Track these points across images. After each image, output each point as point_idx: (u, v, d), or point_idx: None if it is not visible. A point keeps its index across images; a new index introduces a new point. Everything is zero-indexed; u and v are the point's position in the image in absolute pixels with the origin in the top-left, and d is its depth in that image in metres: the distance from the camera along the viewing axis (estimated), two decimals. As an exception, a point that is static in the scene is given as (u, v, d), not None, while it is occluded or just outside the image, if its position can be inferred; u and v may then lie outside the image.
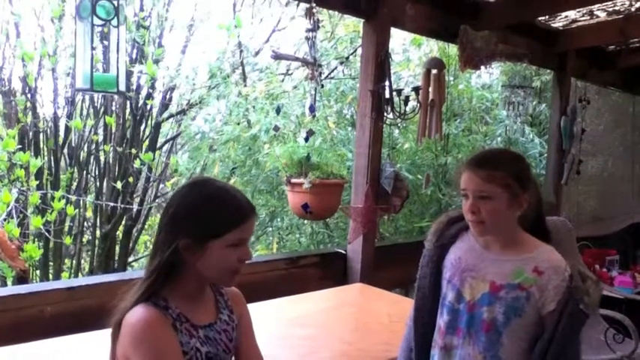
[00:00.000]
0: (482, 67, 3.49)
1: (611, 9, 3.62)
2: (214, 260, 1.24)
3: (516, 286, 1.45)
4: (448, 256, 1.61)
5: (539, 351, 1.42)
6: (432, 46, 4.80)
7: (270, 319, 2.30)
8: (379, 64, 2.88)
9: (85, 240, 5.34)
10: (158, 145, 5.52)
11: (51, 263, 4.82)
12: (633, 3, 3.51)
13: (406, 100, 2.95)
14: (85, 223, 5.29)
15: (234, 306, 1.40)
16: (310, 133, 2.78)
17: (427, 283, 1.64)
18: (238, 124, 4.68)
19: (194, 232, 1.22)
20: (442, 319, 1.57)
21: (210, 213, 1.24)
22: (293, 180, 2.80)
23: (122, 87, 1.93)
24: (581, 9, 3.55)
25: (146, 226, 5.93)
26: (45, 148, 4.82)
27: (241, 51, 5.08)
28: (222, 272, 1.27)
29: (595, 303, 1.41)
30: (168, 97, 5.34)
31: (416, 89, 3.03)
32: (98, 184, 5.17)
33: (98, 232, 5.06)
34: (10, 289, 2.33)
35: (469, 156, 1.59)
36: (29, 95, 4.61)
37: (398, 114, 2.95)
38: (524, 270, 1.45)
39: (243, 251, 1.27)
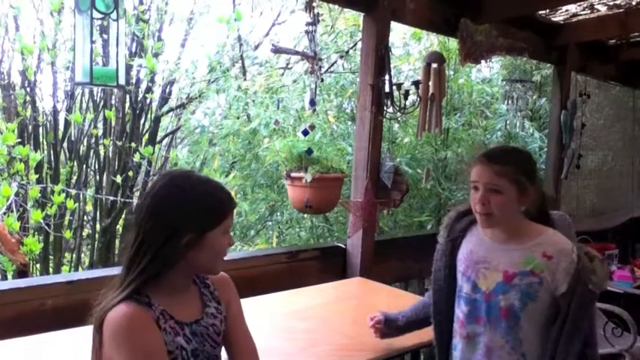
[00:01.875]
0: (483, 61, 3.49)
1: (611, 3, 3.61)
2: (213, 249, 1.27)
3: (529, 273, 1.53)
4: (460, 249, 1.69)
5: (555, 330, 1.50)
6: (432, 40, 4.78)
7: (271, 313, 2.30)
8: (379, 57, 2.88)
9: (85, 234, 5.35)
10: (158, 138, 5.52)
11: (51, 257, 4.83)
12: (634, -3, 3.50)
13: (406, 94, 2.94)
14: (85, 217, 5.30)
15: (221, 295, 1.39)
16: (311, 128, 2.78)
17: (442, 276, 1.73)
18: (238, 118, 4.67)
19: (195, 226, 1.22)
20: (460, 310, 1.65)
21: (207, 205, 1.26)
22: (293, 174, 2.80)
23: (122, 81, 1.93)
24: (581, 3, 3.53)
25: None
26: (44, 142, 4.82)
27: (241, 44, 5.07)
28: (217, 260, 1.31)
29: (603, 281, 1.48)
30: (167, 90, 5.34)
31: (416, 83, 3.02)
32: (98, 177, 5.18)
33: (98, 226, 5.07)
34: (11, 283, 2.33)
35: (480, 150, 1.67)
36: (28, 89, 4.61)
37: (398, 108, 2.95)
38: (534, 256, 1.53)
39: (230, 236, 1.32)
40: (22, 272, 2.82)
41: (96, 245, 5.07)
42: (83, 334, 1.90)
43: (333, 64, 4.93)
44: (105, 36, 1.92)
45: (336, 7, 4.28)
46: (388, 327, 1.94)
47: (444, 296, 1.72)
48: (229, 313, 1.39)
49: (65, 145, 4.95)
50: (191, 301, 1.33)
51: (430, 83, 3.05)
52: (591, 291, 1.47)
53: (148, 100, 5.12)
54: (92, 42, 1.84)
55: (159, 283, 1.23)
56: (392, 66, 3.00)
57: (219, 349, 1.34)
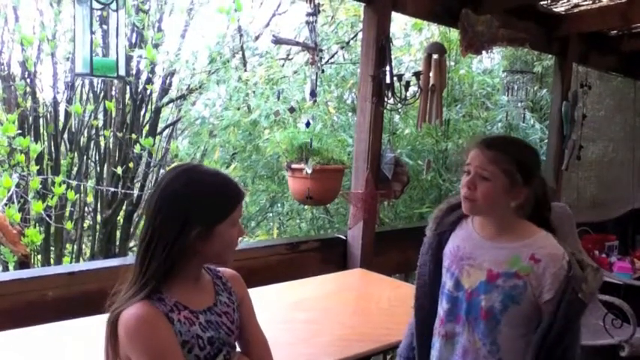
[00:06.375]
0: (484, 52, 3.47)
1: (613, -7, 3.60)
2: (223, 241, 1.28)
3: (513, 275, 1.44)
4: (447, 244, 1.61)
5: (538, 338, 1.42)
6: (432, 31, 4.77)
7: (271, 304, 2.31)
8: (380, 48, 2.87)
9: (85, 225, 5.36)
10: (158, 130, 5.51)
11: (52, 248, 4.84)
12: (636, -13, 3.48)
13: (407, 86, 2.94)
14: (86, 208, 5.30)
15: (233, 288, 1.41)
16: (309, 123, 2.80)
17: (427, 271, 1.64)
18: (238, 109, 4.67)
19: (204, 219, 1.23)
20: (442, 308, 1.58)
21: (215, 198, 1.27)
22: (293, 166, 2.80)
23: (122, 71, 1.93)
24: (583, -7, 3.53)
25: (147, 211, 5.93)
26: (45, 133, 4.82)
27: (241, 35, 5.06)
28: (228, 251, 1.32)
29: (593, 291, 1.39)
30: (168, 81, 5.33)
31: (417, 74, 3.02)
32: (98, 169, 5.17)
33: (99, 217, 5.08)
34: (12, 274, 2.34)
35: (483, 136, 1.58)
36: (29, 80, 4.60)
37: (398, 99, 2.94)
38: (521, 258, 1.45)
39: (240, 227, 1.33)
40: (23, 263, 2.83)
41: (97, 236, 5.08)
42: (84, 325, 1.91)
43: (333, 55, 4.92)
44: (105, 27, 1.92)
45: (337, -3, 4.27)
46: None
47: (427, 292, 1.63)
48: (242, 308, 1.40)
49: (66, 136, 4.94)
50: (204, 289, 1.34)
51: (431, 74, 3.04)
52: (580, 301, 1.38)
53: (148, 92, 5.10)
54: (92, 33, 1.83)
55: (172, 276, 1.24)
56: (393, 57, 3.00)
57: (233, 338, 1.35)
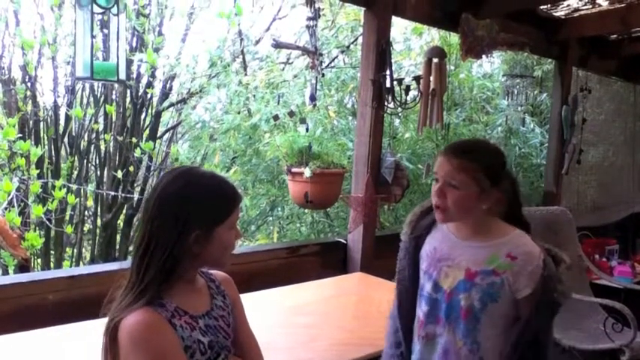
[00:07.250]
0: (484, 56, 3.48)
1: (613, -3, 3.61)
2: (222, 245, 1.27)
3: (491, 272, 1.47)
4: (424, 247, 1.62)
5: (515, 336, 1.45)
6: (433, 35, 4.78)
7: (271, 308, 2.31)
8: (380, 53, 2.88)
9: (86, 229, 5.35)
10: (158, 134, 5.50)
11: (52, 252, 4.82)
12: (636, -8, 3.49)
13: (407, 90, 2.94)
14: (86, 212, 5.29)
15: (226, 291, 1.40)
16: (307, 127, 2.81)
17: (406, 276, 1.65)
18: (239, 113, 4.67)
19: (204, 221, 1.22)
20: (421, 310, 1.58)
21: (214, 200, 1.26)
22: (294, 169, 2.81)
23: (122, 75, 1.94)
24: (583, -3, 3.54)
25: (147, 215, 5.92)
26: (45, 137, 4.81)
27: (242, 39, 5.06)
28: (225, 254, 1.30)
29: (567, 290, 1.42)
30: (168, 85, 5.32)
31: (417, 78, 3.02)
32: (99, 173, 5.17)
33: (99, 221, 5.06)
34: (12, 278, 2.35)
35: (449, 143, 1.60)
36: (29, 84, 4.60)
37: (399, 103, 2.94)
38: (498, 256, 1.47)
39: (237, 230, 1.32)
40: (23, 267, 2.82)
41: (97, 240, 5.06)
42: (84, 329, 1.91)
43: (333, 59, 4.93)
44: (105, 31, 1.93)
45: (337, 1, 4.27)
46: None
47: (409, 297, 1.63)
48: (234, 311, 1.40)
49: (66, 140, 4.93)
50: (200, 293, 1.33)
51: (431, 78, 3.05)
52: (556, 302, 1.42)
53: (148, 95, 5.09)
54: (93, 37, 1.84)
55: (170, 281, 1.23)
56: (393, 61, 3.01)
57: (230, 341, 1.34)
